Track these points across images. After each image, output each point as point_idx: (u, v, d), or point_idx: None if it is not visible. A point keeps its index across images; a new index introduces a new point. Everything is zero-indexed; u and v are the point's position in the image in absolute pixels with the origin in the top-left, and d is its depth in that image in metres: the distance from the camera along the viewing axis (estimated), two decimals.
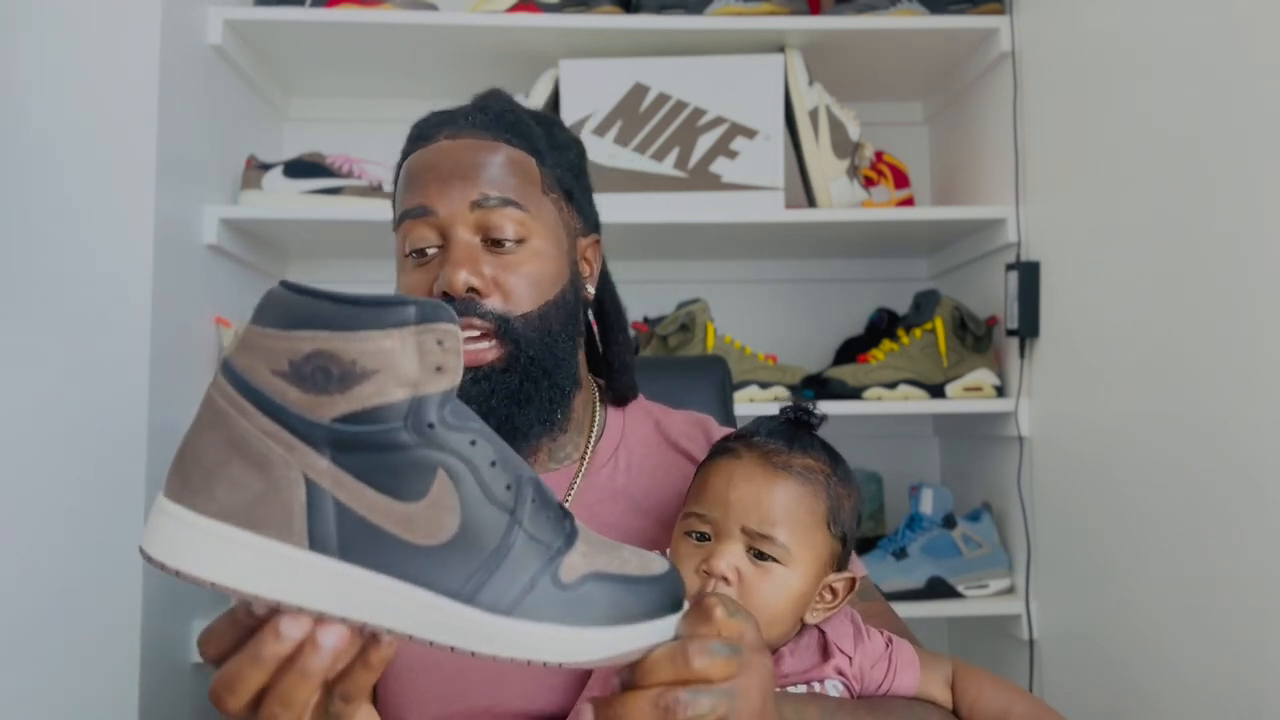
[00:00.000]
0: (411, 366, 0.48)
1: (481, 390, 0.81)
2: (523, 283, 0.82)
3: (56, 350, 1.32)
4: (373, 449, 0.48)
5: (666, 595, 0.56)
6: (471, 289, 0.80)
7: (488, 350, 0.81)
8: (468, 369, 0.80)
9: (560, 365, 0.85)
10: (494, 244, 0.83)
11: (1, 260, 1.32)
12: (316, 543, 0.47)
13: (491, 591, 0.50)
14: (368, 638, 0.50)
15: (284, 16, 1.58)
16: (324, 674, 0.49)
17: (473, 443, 0.50)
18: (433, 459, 0.49)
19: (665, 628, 0.55)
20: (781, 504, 0.75)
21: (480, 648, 0.50)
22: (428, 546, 0.49)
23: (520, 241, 0.83)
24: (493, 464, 0.51)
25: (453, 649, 0.50)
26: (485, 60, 1.74)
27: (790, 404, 0.83)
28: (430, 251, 0.83)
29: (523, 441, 0.84)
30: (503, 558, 0.50)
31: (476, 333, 0.80)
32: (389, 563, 0.48)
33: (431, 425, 0.49)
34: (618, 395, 0.95)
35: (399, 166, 0.90)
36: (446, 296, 0.80)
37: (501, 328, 0.81)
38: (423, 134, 0.87)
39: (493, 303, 0.81)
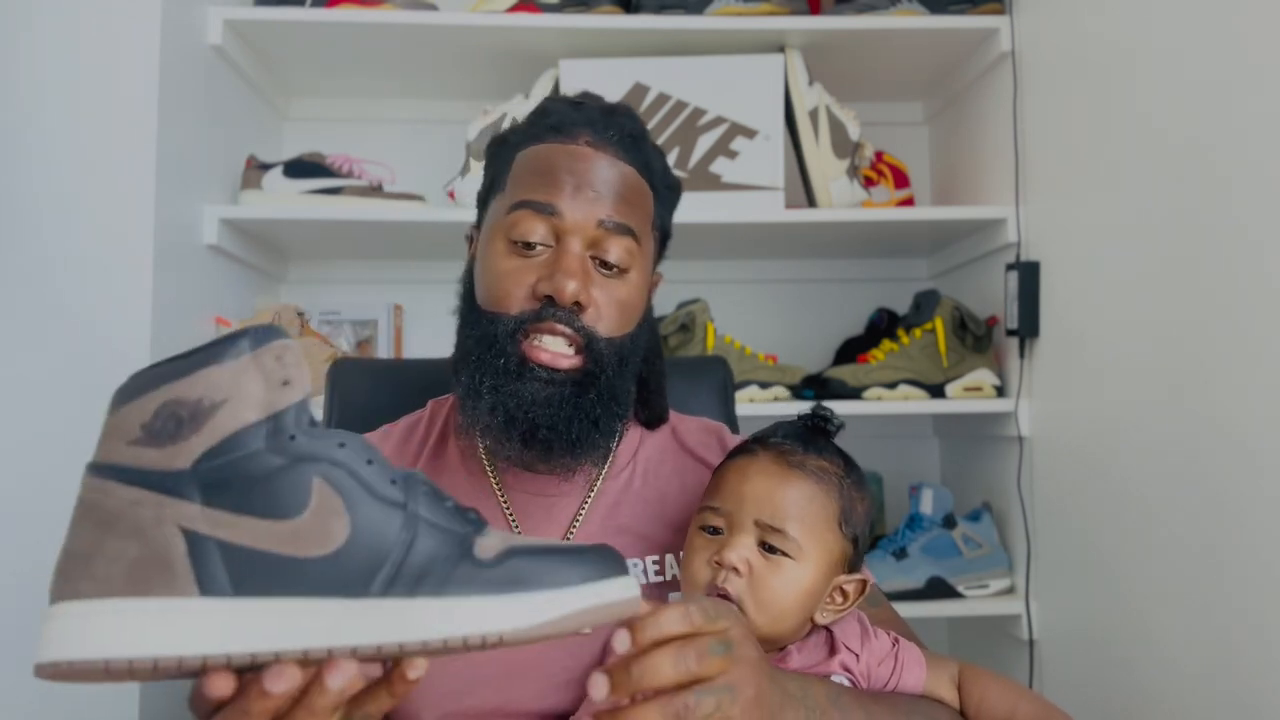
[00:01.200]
0: (258, 388, 0.49)
1: (551, 395, 0.82)
2: (615, 309, 0.84)
3: (57, 350, 1.32)
4: (243, 478, 0.48)
5: (605, 560, 0.55)
6: (578, 302, 0.82)
7: (567, 357, 0.82)
8: (542, 368, 0.81)
9: (627, 394, 0.87)
10: (600, 264, 0.84)
11: (2, 260, 1.32)
12: (208, 587, 0.46)
13: (408, 582, 0.49)
14: (394, 668, 0.50)
15: (284, 16, 1.58)
16: (333, 708, 0.49)
17: (341, 445, 0.50)
18: (305, 470, 0.49)
19: (621, 586, 0.54)
20: (794, 500, 0.77)
21: (423, 636, 0.48)
22: (322, 556, 0.48)
23: (623, 271, 0.85)
24: (369, 462, 0.51)
25: (379, 647, 0.48)
26: (485, 60, 1.74)
27: (810, 410, 0.85)
28: (539, 247, 0.84)
29: (580, 458, 0.85)
30: (409, 548, 0.50)
31: (565, 341, 0.82)
32: (287, 584, 0.47)
33: (293, 437, 0.49)
34: (651, 416, 0.97)
35: (516, 140, 0.89)
36: (549, 300, 0.81)
37: (589, 343, 0.83)
38: (560, 126, 0.87)
39: (588, 318, 0.83)
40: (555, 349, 0.82)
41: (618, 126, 0.89)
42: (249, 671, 0.48)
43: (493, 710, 0.81)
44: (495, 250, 0.85)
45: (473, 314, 0.86)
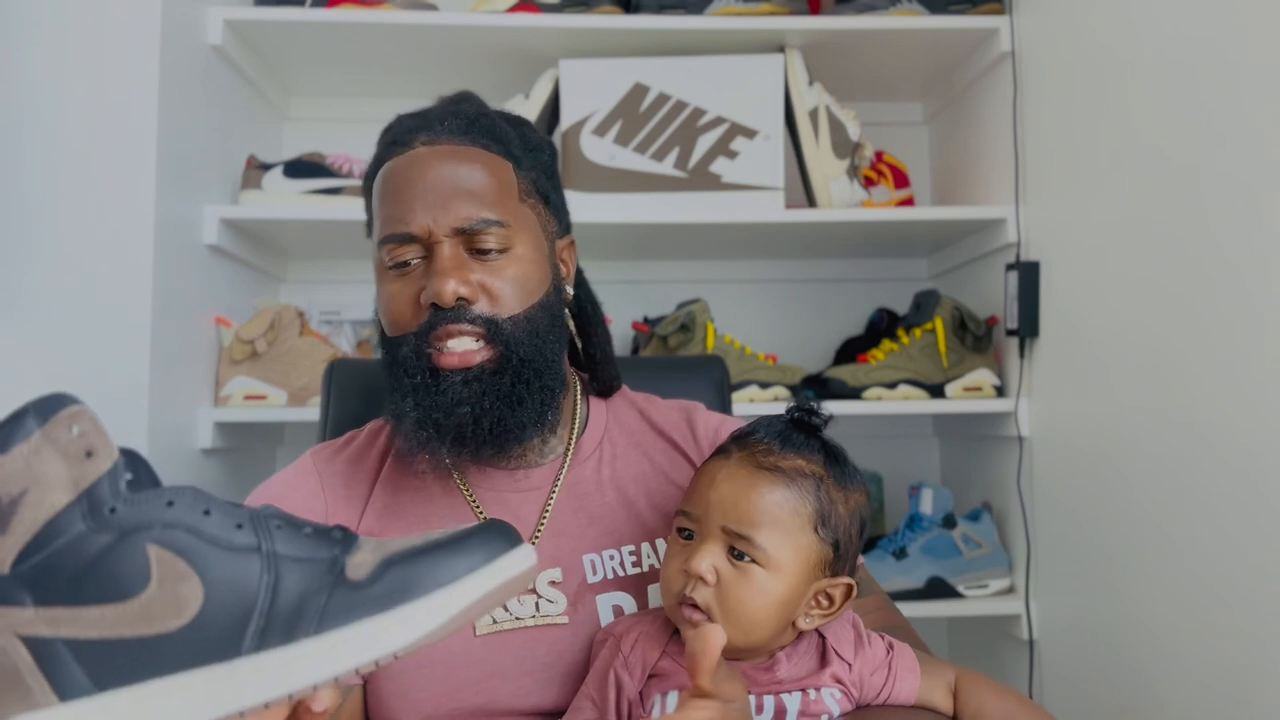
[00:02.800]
0: (58, 467, 0.45)
1: (473, 391, 0.81)
2: (509, 287, 0.83)
3: (57, 350, 1.32)
4: (71, 567, 0.44)
5: (491, 538, 0.52)
6: (460, 297, 0.81)
7: (476, 352, 0.81)
8: (456, 371, 0.81)
9: (549, 366, 0.85)
10: (478, 252, 0.83)
11: (2, 260, 1.32)
12: (67, 691, 0.43)
13: (281, 628, 0.46)
14: (299, 705, 0.48)
15: (284, 16, 1.59)
16: None
17: (170, 504, 0.47)
18: (136, 541, 0.45)
19: (512, 561, 0.52)
20: (762, 505, 0.74)
21: (311, 679, 0.46)
22: (181, 626, 0.45)
23: (504, 250, 0.84)
24: (206, 512, 0.47)
25: (266, 704, 0.45)
26: (485, 60, 1.74)
27: (796, 403, 0.81)
28: (413, 262, 0.83)
29: (515, 443, 0.84)
30: (274, 592, 0.47)
31: (470, 338, 0.81)
32: (151, 666, 0.44)
33: (113, 509, 0.45)
34: (603, 386, 0.96)
35: (372, 170, 0.89)
36: (435, 306, 0.81)
37: (491, 331, 0.81)
38: (397, 139, 0.86)
39: (481, 307, 0.82)
40: (461, 349, 0.81)
41: (452, 115, 0.87)
42: None
43: (475, 711, 0.81)
44: (382, 280, 0.86)
45: (384, 344, 0.87)
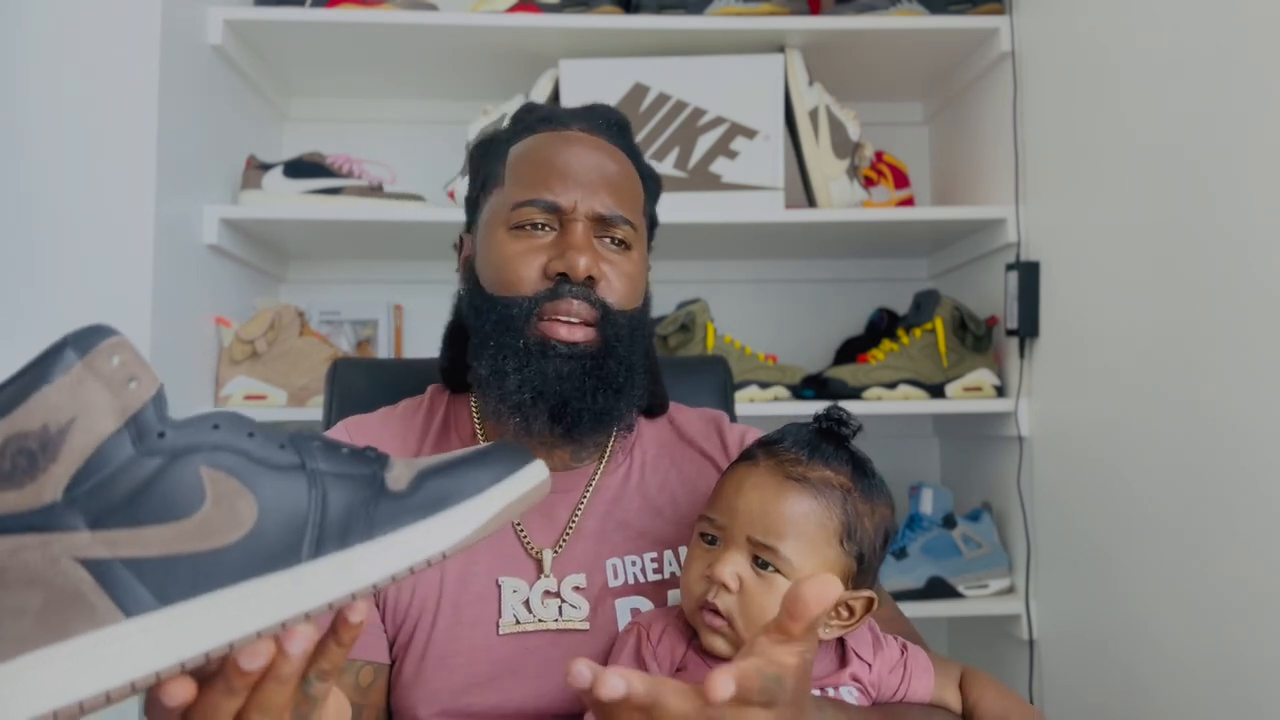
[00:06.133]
0: (103, 395, 0.45)
1: (574, 368, 0.83)
2: (625, 282, 0.87)
3: None
4: (125, 490, 0.45)
5: (511, 455, 0.57)
6: (590, 275, 0.84)
7: (583, 330, 0.84)
8: (563, 344, 0.83)
9: (640, 364, 0.88)
10: (608, 242, 0.87)
11: (2, 260, 1.32)
12: (132, 608, 0.44)
13: (336, 535, 0.49)
14: (337, 617, 0.50)
15: (284, 16, 1.59)
16: (299, 672, 0.49)
17: (216, 426, 0.49)
18: (188, 463, 0.47)
19: (531, 474, 0.57)
20: (788, 516, 0.74)
21: (371, 579, 0.49)
22: (240, 539, 0.47)
23: (627, 248, 0.88)
24: (250, 435, 0.49)
25: (330, 604, 0.48)
26: (485, 60, 1.75)
27: (825, 411, 0.82)
28: (543, 228, 0.86)
29: (606, 427, 0.86)
30: (323, 505, 0.49)
31: (576, 319, 0.83)
32: (214, 577, 0.46)
33: (162, 434, 0.47)
34: (654, 403, 0.98)
35: (507, 136, 0.92)
36: (562, 278, 0.83)
37: (605, 316, 0.84)
38: (552, 117, 0.91)
39: (602, 291, 0.85)
40: (571, 324, 0.84)
41: (604, 116, 0.93)
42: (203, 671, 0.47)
43: (489, 710, 0.81)
44: (498, 238, 0.87)
45: (485, 301, 0.87)
